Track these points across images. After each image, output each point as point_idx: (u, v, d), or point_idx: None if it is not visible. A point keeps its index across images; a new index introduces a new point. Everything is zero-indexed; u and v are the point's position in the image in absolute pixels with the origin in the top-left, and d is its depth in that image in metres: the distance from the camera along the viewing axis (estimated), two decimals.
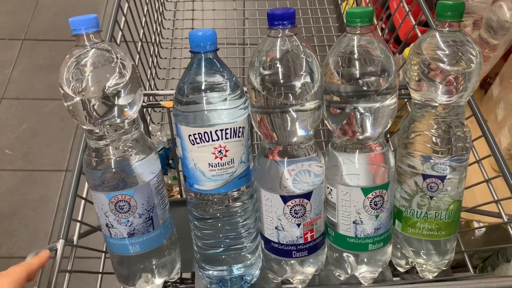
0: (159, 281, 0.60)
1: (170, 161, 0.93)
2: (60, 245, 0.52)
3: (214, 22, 1.24)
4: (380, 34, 1.13)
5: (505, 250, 1.10)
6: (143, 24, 0.97)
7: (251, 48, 1.24)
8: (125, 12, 0.80)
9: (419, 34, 0.86)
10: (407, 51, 1.26)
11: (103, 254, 0.65)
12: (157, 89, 1.06)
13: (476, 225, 0.99)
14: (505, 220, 0.60)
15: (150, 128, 0.98)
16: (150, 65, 1.03)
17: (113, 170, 0.52)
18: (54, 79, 1.92)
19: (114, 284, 0.63)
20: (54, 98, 1.81)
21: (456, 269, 0.68)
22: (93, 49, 0.49)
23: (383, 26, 1.45)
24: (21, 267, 0.48)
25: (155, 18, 1.09)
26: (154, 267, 0.59)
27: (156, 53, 1.07)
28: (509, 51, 1.07)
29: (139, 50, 0.93)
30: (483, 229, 1.01)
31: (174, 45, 1.21)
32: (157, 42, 1.11)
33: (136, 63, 0.89)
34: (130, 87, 0.51)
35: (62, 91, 0.49)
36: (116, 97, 0.50)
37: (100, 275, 0.62)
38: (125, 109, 0.51)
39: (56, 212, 1.53)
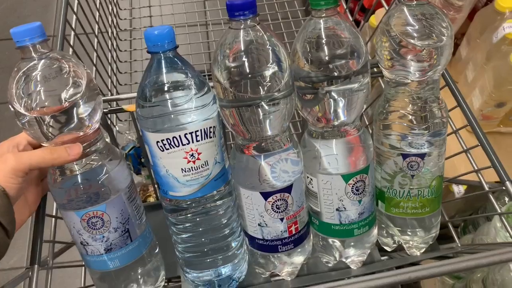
0: None
1: (143, 160, 0.90)
2: (34, 271, 0.49)
3: (172, 7, 1.18)
4: (344, 3, 1.10)
5: (485, 207, 1.12)
6: (97, 19, 0.91)
7: (215, 31, 1.20)
8: (75, 9, 0.75)
9: (383, 2, 0.84)
10: (373, 19, 1.24)
11: (83, 267, 0.63)
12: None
13: (455, 188, 0.99)
14: (487, 189, 0.60)
15: (117, 128, 0.94)
16: (110, 73, 0.97)
17: (80, 186, 0.49)
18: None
19: None
20: None
21: (441, 240, 0.68)
22: (42, 60, 0.45)
23: None
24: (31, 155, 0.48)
25: (110, 10, 1.03)
26: (138, 278, 0.57)
27: (114, 58, 1.01)
28: (474, 10, 1.06)
29: (95, 59, 0.87)
30: (462, 191, 1.02)
31: (133, 36, 1.15)
32: (115, 35, 1.05)
33: (94, 73, 0.84)
34: (88, 96, 0.47)
35: (13, 109, 0.45)
36: (74, 109, 0.46)
37: None
38: (85, 120, 0.48)
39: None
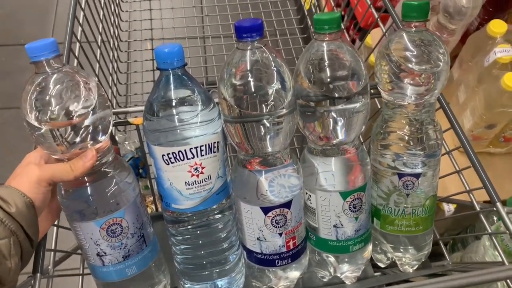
0: None
1: (141, 170, 0.91)
2: (37, 280, 0.50)
3: (173, 20, 1.20)
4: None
5: (474, 226, 1.14)
6: (100, 30, 0.92)
7: (213, 46, 1.22)
8: (81, 20, 0.77)
9: (379, 22, 0.86)
10: (368, 39, 1.27)
11: (80, 277, 0.63)
12: (120, 107, 1.02)
13: (445, 206, 1.01)
14: (478, 209, 0.62)
15: (116, 138, 0.95)
16: (110, 83, 0.99)
17: (97, 195, 0.50)
18: (6, 86, 1.83)
19: None
20: (9, 106, 1.73)
21: (432, 257, 0.69)
22: (55, 75, 0.47)
23: (343, 13, 1.45)
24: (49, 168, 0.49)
25: (112, 21, 1.05)
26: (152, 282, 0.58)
27: (115, 69, 1.03)
28: (466, 34, 1.09)
29: (97, 69, 0.88)
30: (452, 209, 1.05)
31: (134, 48, 1.16)
32: (116, 45, 1.07)
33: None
34: (99, 109, 0.48)
35: (26, 122, 0.46)
36: (86, 121, 0.47)
37: None
38: (97, 133, 0.49)
39: None
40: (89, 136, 0.48)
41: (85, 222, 0.51)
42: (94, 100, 0.48)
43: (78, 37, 0.75)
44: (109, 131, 0.51)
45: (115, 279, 0.54)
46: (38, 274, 0.50)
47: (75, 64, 0.72)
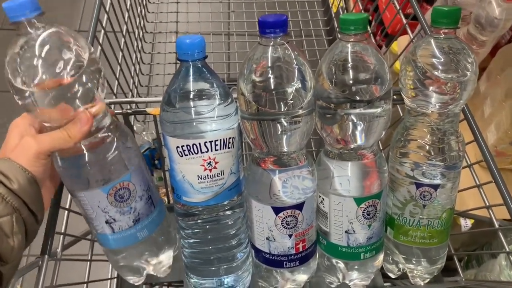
0: (165, 256, 0.59)
1: (156, 162, 0.91)
2: (44, 261, 0.50)
3: (199, 15, 1.20)
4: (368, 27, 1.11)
5: (490, 243, 1.11)
6: (126, 20, 0.93)
7: (237, 43, 1.21)
8: (107, 8, 0.77)
9: (407, 27, 0.84)
10: (395, 45, 1.25)
11: (88, 262, 0.63)
12: (140, 97, 1.02)
13: (462, 221, 0.99)
14: (497, 226, 0.60)
15: (134, 128, 0.96)
16: (132, 73, 0.99)
17: (103, 161, 0.49)
18: None
19: None
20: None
21: (444, 272, 0.67)
22: (40, 36, 0.43)
23: (370, 18, 1.43)
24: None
25: (138, 12, 1.05)
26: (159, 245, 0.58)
27: (138, 59, 1.03)
28: (496, 47, 1.07)
29: (120, 58, 0.89)
30: (469, 225, 1.02)
31: (158, 40, 1.17)
32: (141, 36, 1.07)
33: (118, 72, 0.85)
34: (90, 68, 0.45)
35: (14, 88, 0.43)
36: (78, 82, 0.44)
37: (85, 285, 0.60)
38: (91, 94, 0.46)
39: None
40: (82, 98, 0.45)
41: (91, 191, 0.49)
42: (85, 60, 0.45)
43: (104, 25, 0.75)
44: (103, 92, 0.48)
45: (128, 245, 0.54)
46: (46, 256, 0.50)
47: (98, 53, 0.72)
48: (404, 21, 0.79)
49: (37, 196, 0.47)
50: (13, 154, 0.46)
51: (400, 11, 0.82)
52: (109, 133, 0.50)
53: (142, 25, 1.10)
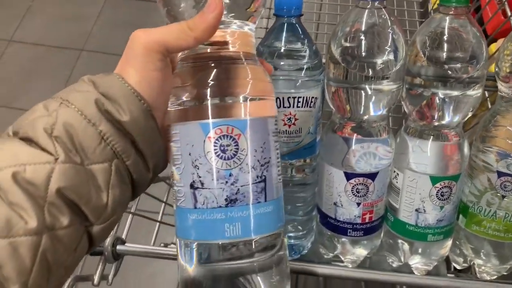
0: None
1: None
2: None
3: None
4: None
5: None
6: None
7: (329, 4, 1.19)
8: None
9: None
10: (493, 47, 1.19)
11: (163, 204, 0.66)
12: None
13: None
14: None
15: None
16: None
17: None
18: None
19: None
20: None
21: None
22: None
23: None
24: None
25: None
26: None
27: None
28: None
29: None
30: None
31: None
32: None
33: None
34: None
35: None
36: None
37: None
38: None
39: None
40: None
41: (188, 124, 0.33)
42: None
43: None
44: None
45: (207, 239, 0.34)
46: None
47: None
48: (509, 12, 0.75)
49: (152, 134, 0.33)
50: (119, 67, 0.34)
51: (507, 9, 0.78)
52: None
53: None
